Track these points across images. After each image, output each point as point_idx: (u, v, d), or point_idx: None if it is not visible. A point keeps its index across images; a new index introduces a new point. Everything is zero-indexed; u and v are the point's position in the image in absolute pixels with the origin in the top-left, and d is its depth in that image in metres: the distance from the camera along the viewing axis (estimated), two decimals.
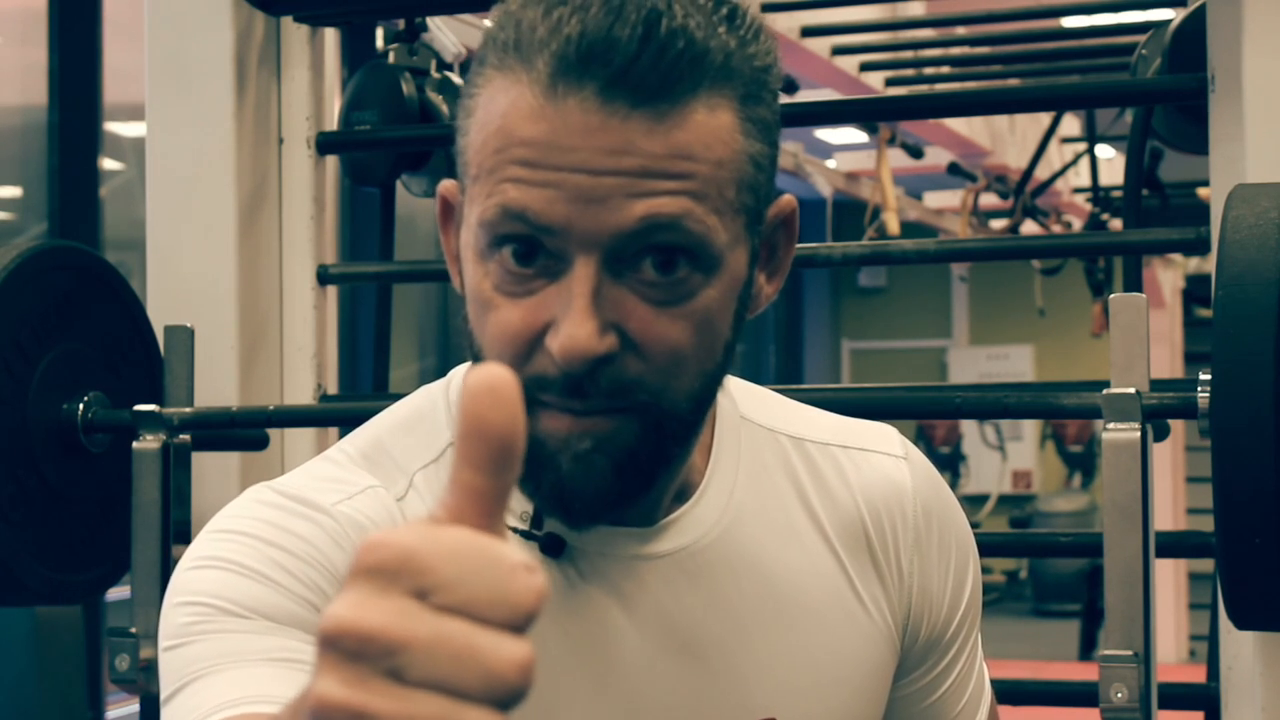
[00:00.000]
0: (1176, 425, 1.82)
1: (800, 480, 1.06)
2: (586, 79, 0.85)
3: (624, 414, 0.91)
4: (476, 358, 0.94)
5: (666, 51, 0.86)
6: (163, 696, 0.92)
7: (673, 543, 1.00)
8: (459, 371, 1.05)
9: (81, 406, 2.02)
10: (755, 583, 1.02)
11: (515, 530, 0.98)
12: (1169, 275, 8.30)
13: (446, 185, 0.97)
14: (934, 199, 7.70)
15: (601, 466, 0.91)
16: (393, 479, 0.99)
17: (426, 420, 1.02)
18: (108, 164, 4.69)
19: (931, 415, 4.96)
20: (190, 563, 0.94)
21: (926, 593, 1.09)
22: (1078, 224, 6.81)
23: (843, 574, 1.05)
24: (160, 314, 2.13)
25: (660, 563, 0.99)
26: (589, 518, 0.95)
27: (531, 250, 0.89)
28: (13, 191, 4.64)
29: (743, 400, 1.08)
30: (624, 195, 0.86)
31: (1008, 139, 5.84)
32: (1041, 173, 5.41)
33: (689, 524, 1.01)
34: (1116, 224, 5.86)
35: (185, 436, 2.02)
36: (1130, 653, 1.59)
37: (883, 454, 1.10)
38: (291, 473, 1.01)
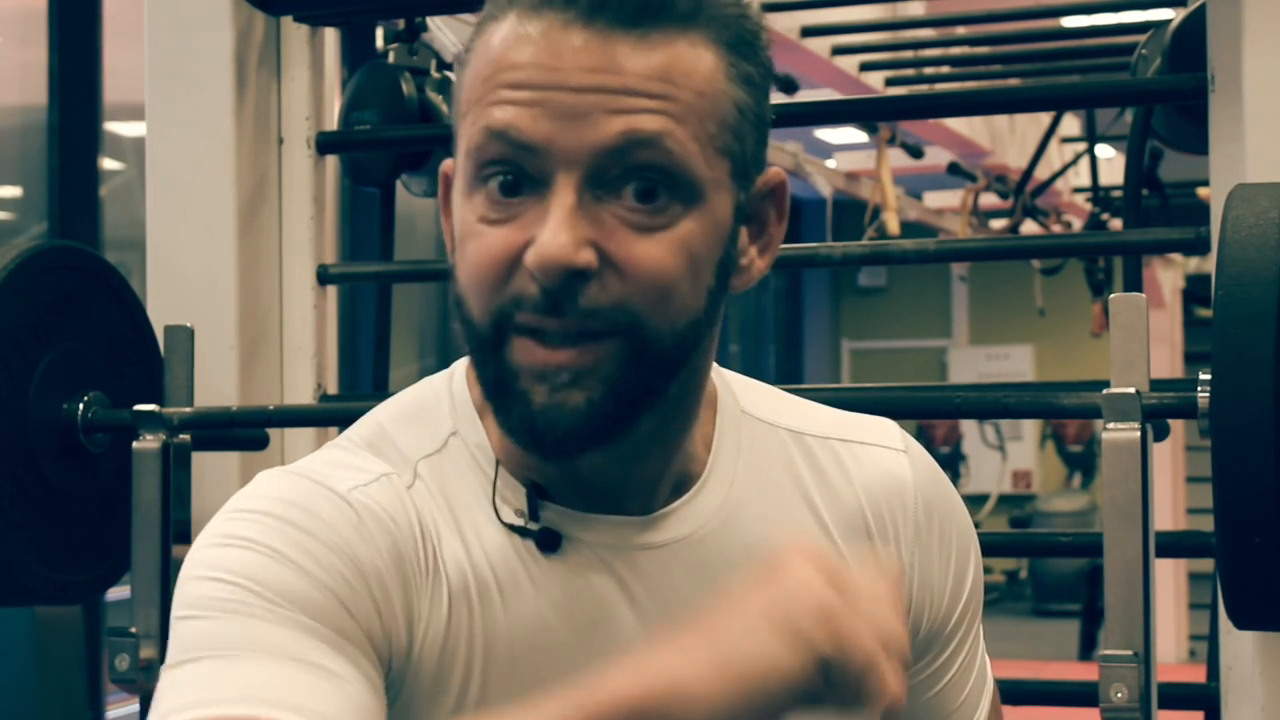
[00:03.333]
0: (1176, 425, 1.82)
1: (800, 474, 1.07)
2: (570, 5, 0.90)
3: (604, 340, 0.91)
4: (458, 302, 0.94)
5: None
6: (172, 660, 0.90)
7: (671, 533, 1.01)
8: (461, 363, 1.05)
9: (81, 406, 2.02)
10: None
11: (510, 526, 0.98)
12: (1169, 275, 8.29)
13: (448, 164, 0.99)
14: (934, 199, 7.70)
15: (577, 404, 0.91)
16: (398, 467, 0.99)
17: (429, 411, 1.03)
18: (108, 164, 4.68)
19: (931, 415, 4.96)
20: (214, 539, 0.93)
21: (927, 586, 1.10)
22: (1078, 224, 6.80)
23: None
24: (160, 314, 2.13)
25: (659, 552, 1.00)
26: (562, 453, 0.94)
27: (517, 181, 0.91)
28: (13, 191, 4.63)
29: (743, 395, 1.08)
30: (605, 111, 0.89)
31: (1008, 139, 5.83)
32: (1041, 173, 5.41)
33: (688, 515, 1.01)
34: (1116, 224, 5.86)
35: (185, 436, 2.02)
36: (1130, 653, 1.59)
37: (883, 447, 1.10)
38: (303, 460, 1.01)
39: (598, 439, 0.93)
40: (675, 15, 0.91)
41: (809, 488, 1.06)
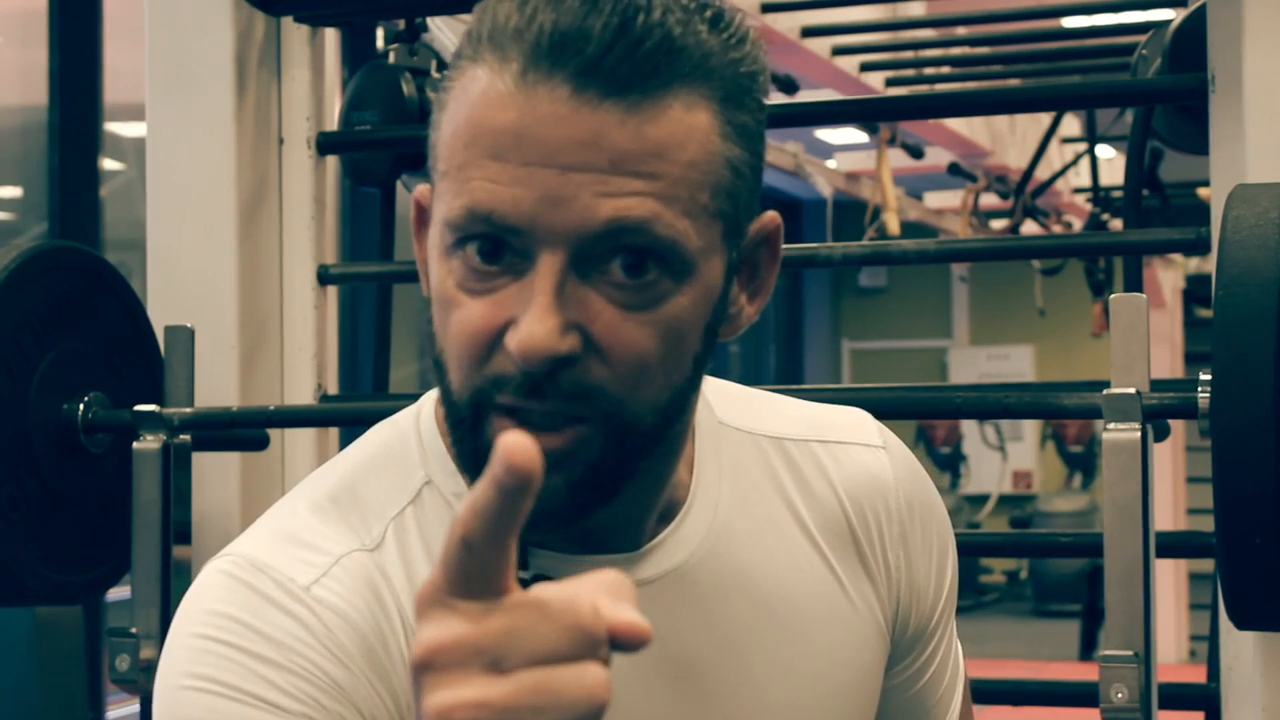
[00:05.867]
0: (1176, 425, 1.82)
1: (782, 482, 1.05)
2: (558, 68, 0.84)
3: (584, 424, 0.87)
4: (437, 361, 0.91)
5: (642, 44, 0.85)
6: None
7: (661, 566, 0.98)
8: (427, 404, 1.01)
9: (81, 407, 2.02)
10: (746, 598, 1.01)
11: None
12: (1169, 275, 8.30)
13: (421, 191, 0.95)
14: (934, 199, 7.70)
15: (555, 487, 0.87)
16: (367, 526, 0.95)
17: (397, 458, 0.99)
18: (108, 164, 4.68)
19: (931, 415, 4.97)
20: (181, 678, 0.90)
21: (914, 585, 1.09)
22: (1078, 224, 6.80)
23: (832, 576, 1.04)
24: (160, 314, 2.13)
25: (649, 589, 0.96)
26: (539, 533, 0.91)
27: (497, 248, 0.87)
28: (13, 191, 4.64)
29: (718, 404, 1.06)
30: (592, 194, 0.84)
31: (1008, 139, 5.83)
32: (1041, 173, 5.41)
33: (676, 545, 0.99)
34: (1116, 224, 5.86)
35: (185, 437, 2.02)
36: (1130, 653, 1.59)
37: (861, 445, 1.08)
38: (258, 531, 0.97)
39: (575, 518, 0.90)
40: (671, 78, 0.86)
41: (792, 496, 1.04)
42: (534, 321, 0.84)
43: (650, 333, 0.87)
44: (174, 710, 0.90)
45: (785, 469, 1.05)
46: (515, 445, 0.65)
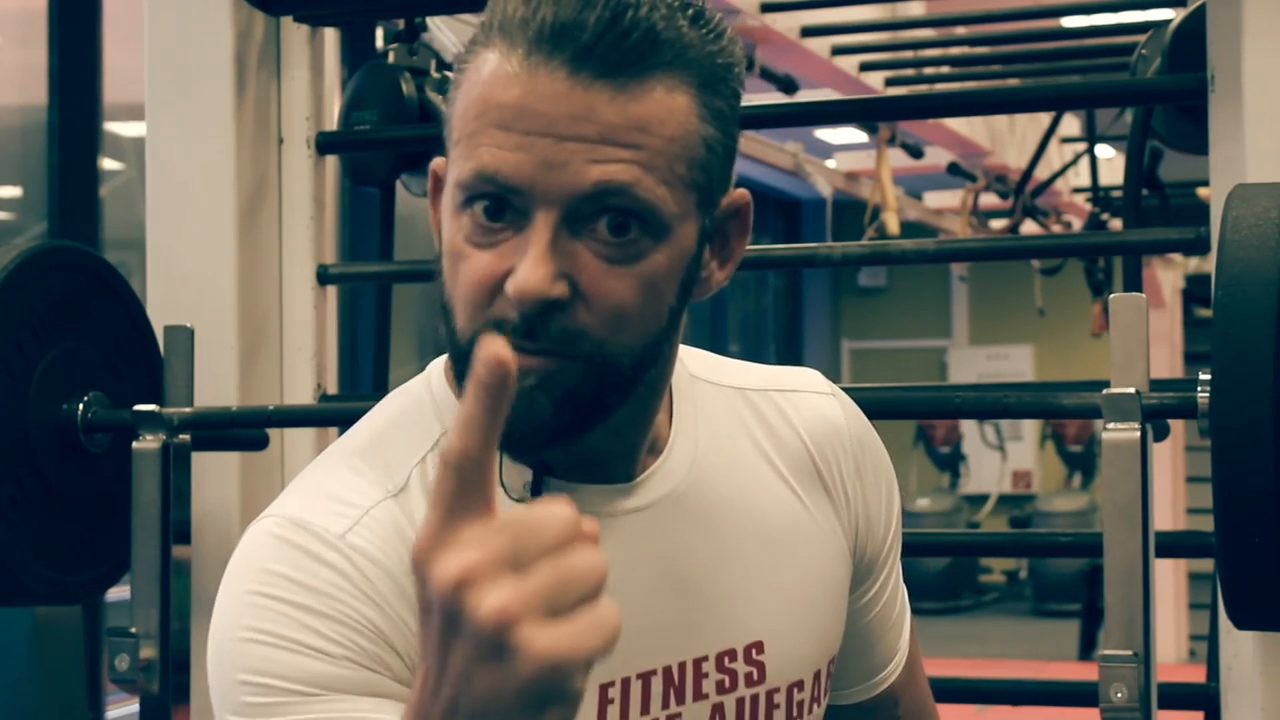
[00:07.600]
0: (1176, 425, 1.82)
1: (750, 426, 1.19)
2: (557, 53, 0.98)
3: (569, 359, 1.00)
4: (444, 307, 1.04)
5: (630, 34, 0.98)
6: None
7: (654, 494, 1.11)
8: (436, 366, 1.13)
9: (81, 406, 2.02)
10: (729, 523, 1.14)
11: (516, 502, 1.07)
12: (1169, 275, 8.30)
13: (438, 161, 1.08)
14: (934, 199, 7.70)
15: (541, 404, 1.00)
16: (391, 474, 1.07)
17: (413, 416, 1.11)
18: (108, 164, 4.69)
19: (931, 415, 4.97)
20: (237, 630, 1.01)
21: (868, 514, 1.23)
22: (1078, 224, 6.80)
23: (801, 505, 1.18)
24: (160, 314, 2.13)
25: (647, 513, 1.11)
26: (526, 451, 1.05)
27: (500, 207, 1.00)
28: (13, 191, 4.64)
29: (690, 361, 1.19)
30: (582, 160, 0.98)
31: (1007, 139, 5.83)
32: (1041, 173, 5.41)
33: (664, 476, 1.12)
34: (1116, 224, 5.86)
35: (185, 436, 2.02)
36: (1130, 653, 1.59)
37: (814, 393, 1.23)
38: (296, 490, 1.08)
39: (556, 440, 1.03)
40: (654, 64, 0.99)
41: (759, 438, 1.18)
42: (529, 269, 0.98)
43: (630, 284, 1.01)
44: (232, 659, 1.01)
45: (751, 415, 1.19)
46: (490, 346, 0.74)
